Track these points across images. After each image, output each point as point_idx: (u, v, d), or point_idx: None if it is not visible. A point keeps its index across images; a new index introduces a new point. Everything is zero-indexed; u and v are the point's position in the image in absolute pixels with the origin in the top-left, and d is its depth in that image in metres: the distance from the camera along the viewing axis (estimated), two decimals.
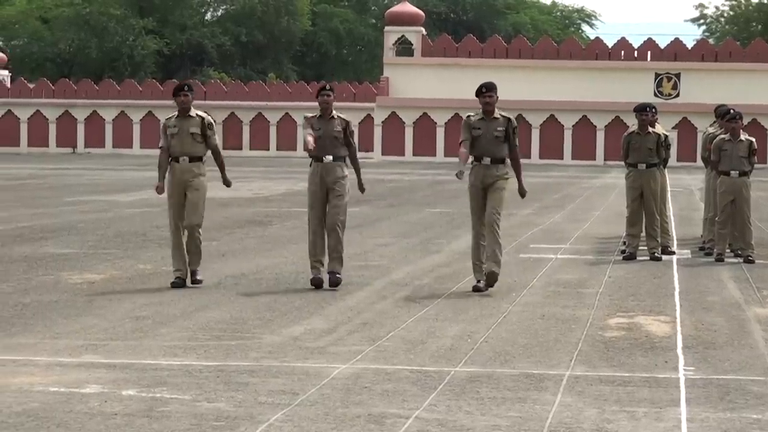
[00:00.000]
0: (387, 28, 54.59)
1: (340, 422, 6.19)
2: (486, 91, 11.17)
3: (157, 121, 54.67)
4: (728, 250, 14.52)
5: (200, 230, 11.34)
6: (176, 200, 11.30)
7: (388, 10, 57.06)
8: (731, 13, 76.80)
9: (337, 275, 11.30)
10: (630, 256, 14.27)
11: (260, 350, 8.16)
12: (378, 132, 52.29)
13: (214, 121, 11.66)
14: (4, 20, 68.16)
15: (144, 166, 41.46)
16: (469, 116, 11.24)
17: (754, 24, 74.35)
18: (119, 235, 16.41)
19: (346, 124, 11.35)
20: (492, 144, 11.12)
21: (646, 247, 14.46)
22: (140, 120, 55.04)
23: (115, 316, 9.57)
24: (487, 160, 11.14)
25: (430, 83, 51.93)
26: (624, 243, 14.98)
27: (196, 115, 11.31)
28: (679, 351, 8.37)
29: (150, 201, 23.72)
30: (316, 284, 11.25)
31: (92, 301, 10.37)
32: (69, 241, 15.63)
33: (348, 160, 11.44)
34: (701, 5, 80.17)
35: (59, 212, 20.48)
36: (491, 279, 11.04)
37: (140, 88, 55.61)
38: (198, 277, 11.33)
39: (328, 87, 11.48)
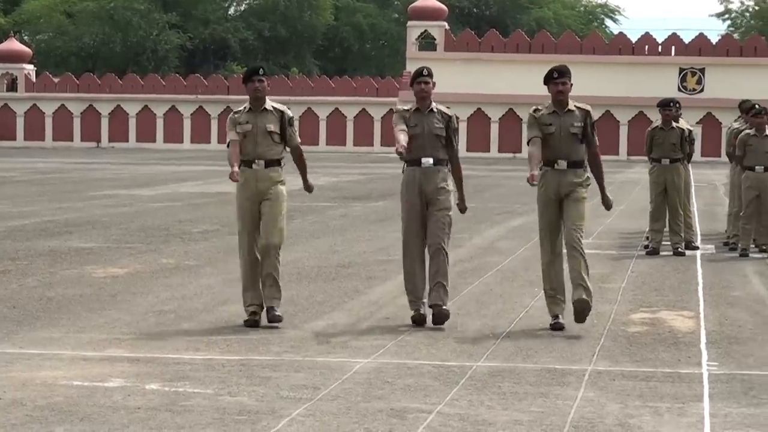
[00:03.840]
0: (410, 22, 54.57)
1: (362, 417, 6.19)
2: (558, 76, 8.94)
3: (180, 115, 54.92)
4: (753, 246, 14.46)
5: (280, 252, 9.02)
6: (250, 215, 9.00)
7: (411, 5, 56.98)
8: (756, 8, 76.34)
9: (443, 308, 8.90)
10: (653, 251, 14.22)
11: (282, 345, 8.17)
12: None
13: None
14: (29, 15, 68.46)
15: (167, 161, 41.59)
16: (536, 110, 9.05)
17: None
18: (142, 230, 16.46)
19: (449, 119, 9.10)
20: (568, 143, 8.91)
21: (669, 243, 14.41)
22: (163, 114, 55.24)
23: (139, 310, 9.61)
24: (562, 164, 8.91)
25: (453, 78, 51.81)
26: (647, 238, 14.93)
27: (273, 108, 9.12)
28: (703, 346, 8.33)
29: (173, 195, 23.80)
30: (418, 322, 8.93)
31: (116, 295, 10.40)
32: (93, 235, 15.69)
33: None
34: (726, 0, 79.80)
35: (83, 206, 20.57)
36: (582, 310, 8.79)
37: (163, 83, 55.81)
38: (277, 313, 8.94)
39: (426, 72, 9.09)
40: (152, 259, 13.03)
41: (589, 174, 9.03)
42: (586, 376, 7.23)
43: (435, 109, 9.06)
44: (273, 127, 9.01)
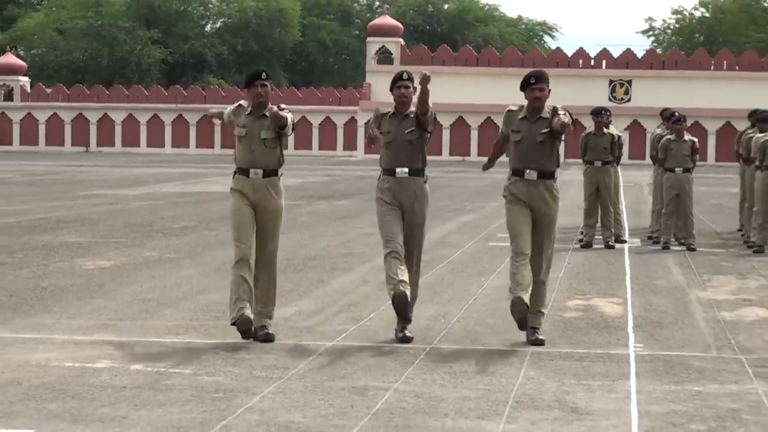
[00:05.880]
0: (369, 39, 54.54)
1: (327, 394, 6.19)
2: (536, 82, 7.71)
3: (161, 122, 54.60)
4: (673, 239, 14.58)
5: (276, 266, 7.88)
6: (243, 221, 7.62)
7: (370, 23, 56.98)
8: (677, 25, 76.98)
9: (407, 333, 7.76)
10: (587, 245, 14.30)
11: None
12: (361, 133, 52.25)
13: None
14: (24, 31, 67.81)
15: (150, 164, 41.29)
16: (510, 110, 7.93)
17: (697, 35, 74.58)
18: (127, 226, 16.35)
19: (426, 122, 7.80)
20: (536, 152, 7.69)
21: (601, 237, 14.50)
22: (147, 122, 54.88)
23: (124, 298, 9.55)
24: (532, 174, 7.68)
25: None
26: (581, 233, 15.02)
27: (270, 113, 7.68)
28: (630, 330, 8.40)
29: (155, 195, 23.65)
30: (400, 300, 7.69)
31: (103, 285, 10.33)
32: (82, 231, 15.56)
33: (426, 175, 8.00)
34: (650, 18, 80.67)
35: (73, 205, 20.39)
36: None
37: (147, 93, 55.45)
38: (269, 331, 7.66)
39: (405, 76, 7.75)
40: (136, 253, 12.95)
41: (558, 186, 7.82)
42: (527, 357, 7.27)
43: (412, 114, 7.80)
44: (265, 133, 7.67)
